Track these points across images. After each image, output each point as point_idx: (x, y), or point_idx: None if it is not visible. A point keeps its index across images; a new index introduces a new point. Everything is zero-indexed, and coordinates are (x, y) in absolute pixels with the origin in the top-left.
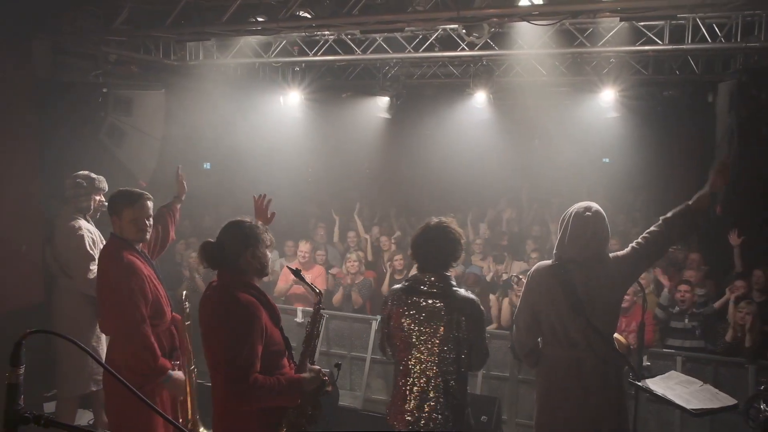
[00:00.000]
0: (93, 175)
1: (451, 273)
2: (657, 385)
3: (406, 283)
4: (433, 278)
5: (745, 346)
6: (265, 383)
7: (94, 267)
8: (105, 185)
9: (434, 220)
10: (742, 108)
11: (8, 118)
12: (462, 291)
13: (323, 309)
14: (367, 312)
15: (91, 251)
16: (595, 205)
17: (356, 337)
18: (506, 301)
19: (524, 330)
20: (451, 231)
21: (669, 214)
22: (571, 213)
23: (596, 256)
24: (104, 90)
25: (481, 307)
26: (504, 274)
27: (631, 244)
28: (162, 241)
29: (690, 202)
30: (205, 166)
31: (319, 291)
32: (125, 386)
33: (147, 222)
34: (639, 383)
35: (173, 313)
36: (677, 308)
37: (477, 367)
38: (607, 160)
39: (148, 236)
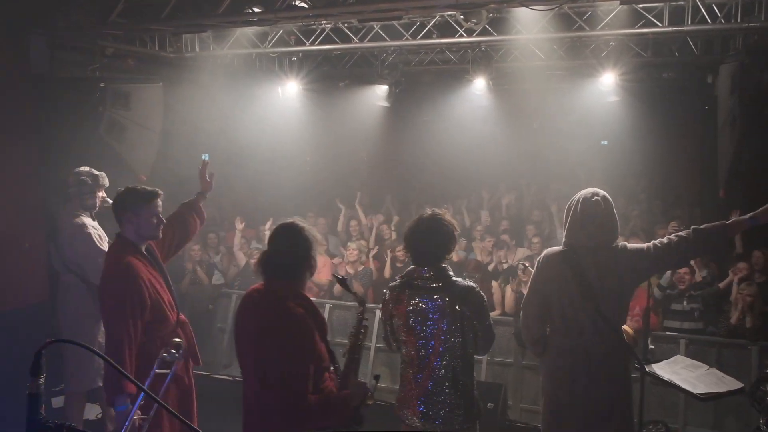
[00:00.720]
0: (95, 172)
1: (446, 263)
2: (663, 369)
3: (404, 279)
4: (431, 272)
5: (746, 327)
6: (319, 404)
7: None
8: (107, 181)
9: (428, 212)
10: (745, 91)
11: (6, 115)
12: (460, 280)
13: (366, 320)
14: (369, 301)
15: (101, 247)
16: (602, 191)
17: None
18: (509, 287)
19: (533, 318)
20: (445, 223)
21: (702, 227)
22: (579, 199)
23: (607, 242)
24: (102, 85)
25: (481, 292)
26: (504, 262)
27: (652, 242)
28: (180, 240)
29: (727, 222)
30: (203, 157)
31: (363, 299)
32: (134, 383)
33: (162, 218)
34: (645, 368)
35: (181, 315)
36: (676, 290)
37: (484, 351)
38: (605, 142)
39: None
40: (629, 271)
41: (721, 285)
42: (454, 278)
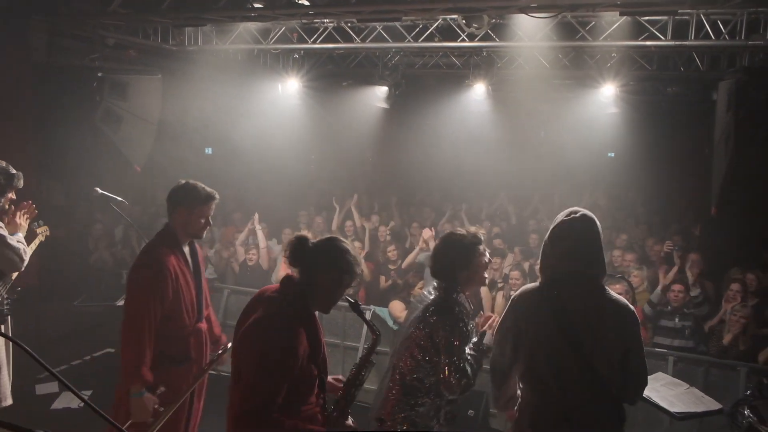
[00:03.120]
0: (12, 171)
1: (461, 287)
2: None
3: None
4: (435, 287)
5: (740, 349)
6: (283, 426)
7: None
8: (21, 183)
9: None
10: (740, 108)
11: (3, 101)
12: (444, 303)
13: (376, 353)
14: (361, 301)
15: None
16: (582, 209)
17: (349, 327)
18: (500, 294)
19: (502, 373)
20: (452, 241)
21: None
22: (556, 221)
23: (593, 277)
24: (99, 74)
25: (457, 327)
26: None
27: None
28: None
29: None
30: (206, 151)
31: (378, 332)
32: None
33: (210, 221)
34: None
35: (200, 324)
36: (669, 307)
37: (449, 391)
38: (612, 154)
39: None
40: (619, 325)
41: (713, 321)
42: (444, 302)
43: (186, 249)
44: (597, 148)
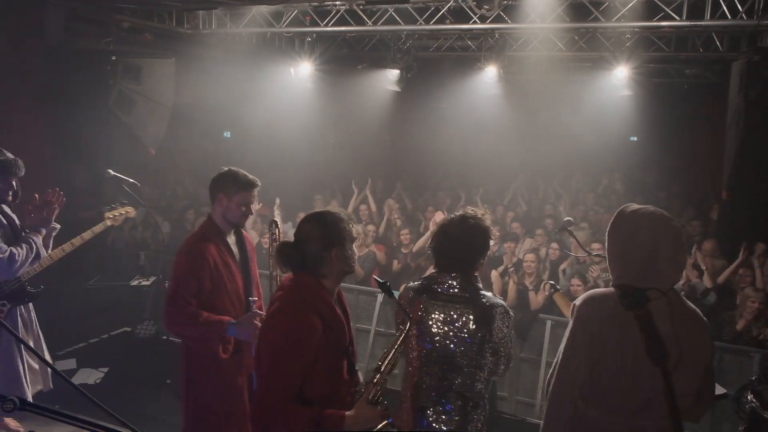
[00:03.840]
0: (10, 156)
1: (477, 273)
2: None
3: (424, 282)
4: (457, 280)
5: (754, 335)
6: (303, 416)
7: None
8: (22, 171)
9: (462, 211)
10: (751, 89)
11: (20, 84)
12: (489, 295)
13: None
14: (372, 284)
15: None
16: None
17: (362, 309)
18: (512, 279)
19: (570, 386)
20: (481, 225)
21: None
22: (640, 215)
23: (674, 283)
24: (113, 58)
25: (510, 312)
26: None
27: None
28: None
29: None
30: (225, 134)
31: (410, 315)
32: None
33: (252, 207)
34: None
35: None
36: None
37: (502, 373)
38: (635, 138)
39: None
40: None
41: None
42: (483, 291)
43: (232, 239)
44: (613, 131)
